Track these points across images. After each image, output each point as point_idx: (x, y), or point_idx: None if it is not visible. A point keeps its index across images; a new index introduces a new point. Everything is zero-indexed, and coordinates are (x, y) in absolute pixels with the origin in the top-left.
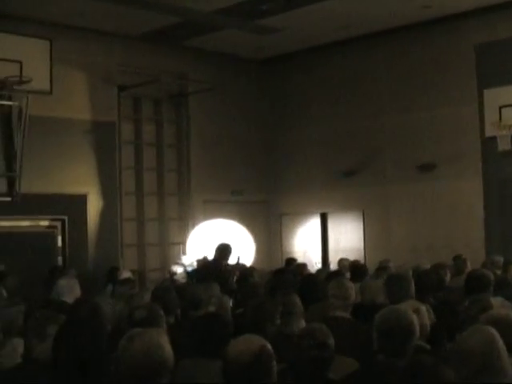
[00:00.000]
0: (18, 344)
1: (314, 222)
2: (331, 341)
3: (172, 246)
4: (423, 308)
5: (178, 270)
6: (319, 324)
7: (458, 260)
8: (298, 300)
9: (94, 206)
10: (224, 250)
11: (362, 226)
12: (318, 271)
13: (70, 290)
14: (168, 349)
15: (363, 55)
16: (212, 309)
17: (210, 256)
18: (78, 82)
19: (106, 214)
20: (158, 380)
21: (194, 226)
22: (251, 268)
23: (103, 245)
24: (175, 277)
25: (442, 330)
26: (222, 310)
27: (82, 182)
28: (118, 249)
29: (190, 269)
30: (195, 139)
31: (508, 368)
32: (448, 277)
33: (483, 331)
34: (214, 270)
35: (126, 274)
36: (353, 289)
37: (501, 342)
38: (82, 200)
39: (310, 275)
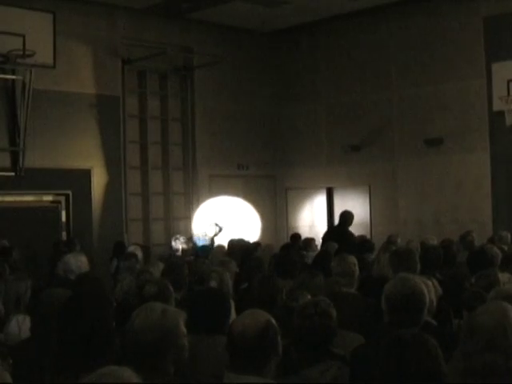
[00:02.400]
0: (23, 321)
1: (320, 197)
2: (333, 312)
3: (177, 220)
4: (429, 283)
5: (179, 245)
6: (322, 297)
7: (468, 236)
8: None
9: (98, 181)
10: (347, 217)
11: (368, 201)
12: (328, 246)
13: (78, 266)
14: (174, 325)
15: (371, 28)
16: (214, 284)
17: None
18: (81, 56)
19: (111, 189)
20: (163, 355)
21: (198, 200)
22: (256, 243)
23: (108, 219)
24: (177, 253)
25: (448, 305)
26: (222, 285)
27: (86, 156)
28: (123, 223)
29: (201, 243)
30: (200, 113)
31: None
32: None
33: (496, 307)
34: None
35: (136, 250)
36: (356, 265)
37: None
38: (86, 174)
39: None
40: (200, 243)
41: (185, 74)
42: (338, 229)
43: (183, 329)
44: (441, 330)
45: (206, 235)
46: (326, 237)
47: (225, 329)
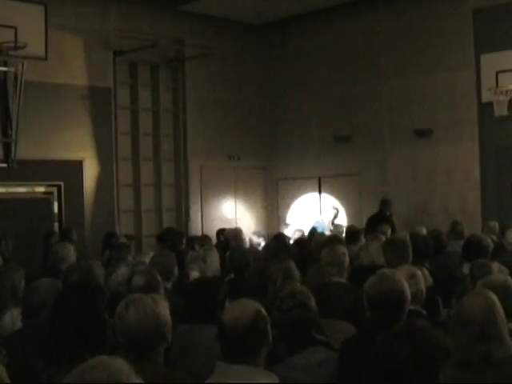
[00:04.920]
0: (17, 316)
1: (312, 187)
2: (312, 302)
3: (168, 211)
4: (419, 273)
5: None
6: (301, 287)
7: (457, 225)
8: (293, 265)
9: (89, 172)
10: (386, 203)
11: (358, 191)
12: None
13: (66, 255)
14: (164, 315)
15: (361, 20)
16: (195, 275)
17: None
18: (73, 48)
19: (102, 180)
20: (154, 346)
21: (190, 191)
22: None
23: (99, 210)
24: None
25: (438, 294)
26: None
27: (78, 147)
28: (115, 214)
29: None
30: (192, 104)
31: (505, 335)
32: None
33: (483, 296)
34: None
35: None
36: (346, 254)
37: (500, 308)
38: (77, 166)
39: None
40: (319, 229)
41: (176, 66)
42: (380, 215)
43: (169, 317)
44: (430, 319)
45: (322, 220)
46: (369, 223)
47: (218, 318)
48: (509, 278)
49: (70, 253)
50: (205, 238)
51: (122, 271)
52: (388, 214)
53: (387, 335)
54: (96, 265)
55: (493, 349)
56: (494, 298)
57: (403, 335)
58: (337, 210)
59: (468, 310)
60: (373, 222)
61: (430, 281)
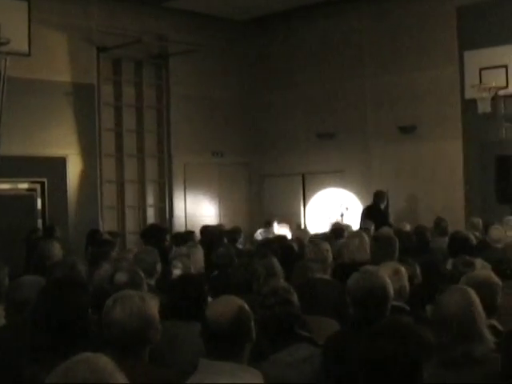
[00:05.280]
0: (0, 313)
1: (296, 183)
2: (294, 298)
3: (152, 208)
4: (403, 269)
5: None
6: (283, 283)
7: (441, 222)
8: (276, 262)
9: (73, 168)
10: (381, 195)
11: (342, 188)
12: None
13: (52, 252)
14: (151, 314)
15: (345, 16)
16: (178, 272)
17: None
18: (57, 44)
19: (86, 176)
20: (140, 344)
21: (173, 188)
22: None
23: (83, 207)
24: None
25: (422, 291)
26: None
27: (62, 144)
28: (98, 211)
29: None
30: (175, 101)
31: (485, 332)
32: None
33: (460, 294)
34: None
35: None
36: (329, 250)
37: (479, 305)
38: (61, 162)
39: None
40: None
41: (160, 62)
42: (373, 207)
43: (157, 314)
44: (414, 315)
45: (329, 218)
46: (362, 216)
47: (201, 314)
48: (492, 274)
49: (56, 250)
50: (189, 234)
51: (106, 268)
52: (383, 206)
53: (371, 332)
54: (79, 261)
55: (473, 346)
56: (473, 294)
57: (387, 332)
58: (346, 207)
59: (446, 308)
60: (366, 216)
61: (419, 278)
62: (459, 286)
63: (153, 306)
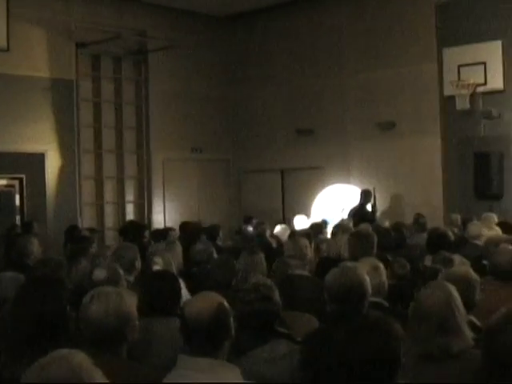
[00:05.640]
0: None
1: (275, 180)
2: (275, 295)
3: (131, 204)
4: (381, 265)
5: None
6: (265, 279)
7: (420, 218)
8: (259, 258)
9: (52, 165)
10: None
11: (321, 184)
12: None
13: (31, 249)
14: (129, 310)
15: (324, 12)
16: (157, 267)
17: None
18: (35, 39)
19: (65, 173)
20: (118, 340)
21: (152, 184)
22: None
23: (62, 203)
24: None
25: (401, 286)
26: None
27: (40, 140)
28: (77, 207)
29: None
30: (155, 97)
31: (465, 328)
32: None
33: (440, 289)
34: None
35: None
36: (308, 247)
37: (458, 300)
38: (40, 158)
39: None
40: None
41: (139, 58)
42: (359, 209)
43: (135, 311)
44: (392, 311)
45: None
46: (351, 215)
47: (177, 310)
48: (470, 270)
49: (34, 247)
50: (168, 231)
51: (84, 264)
52: (370, 207)
53: (349, 329)
54: (58, 258)
55: (452, 341)
56: (452, 290)
57: (366, 329)
58: (343, 209)
59: (426, 303)
60: (352, 217)
61: (402, 273)
62: (439, 282)
63: (130, 302)
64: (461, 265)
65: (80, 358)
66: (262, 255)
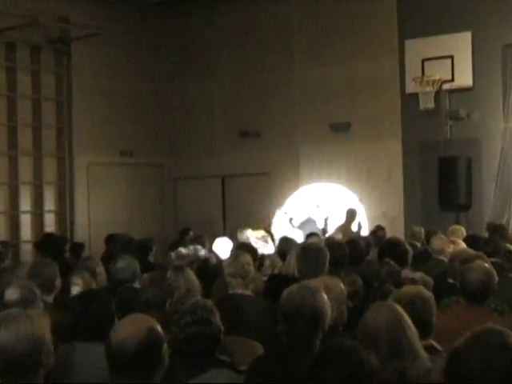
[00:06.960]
0: None
1: (215, 187)
2: (215, 318)
3: (50, 214)
4: (337, 284)
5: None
6: (204, 300)
7: (379, 230)
8: (193, 276)
9: None
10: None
11: (267, 192)
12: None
13: None
14: (42, 335)
15: (272, 3)
16: (76, 289)
17: None
18: None
19: None
20: (31, 369)
21: (74, 191)
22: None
23: None
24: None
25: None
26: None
27: None
28: None
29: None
30: (78, 92)
31: (418, 349)
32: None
33: (387, 309)
34: None
35: None
36: (250, 264)
37: (408, 320)
38: None
39: None
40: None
41: (61, 48)
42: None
43: (49, 334)
44: (346, 335)
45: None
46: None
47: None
48: (422, 288)
49: None
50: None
51: None
52: (357, 226)
53: (315, 356)
54: None
55: (407, 364)
56: (399, 309)
57: (334, 357)
58: (327, 217)
59: (372, 325)
60: None
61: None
62: (384, 302)
63: (42, 326)
64: (422, 282)
65: None
66: (190, 272)
